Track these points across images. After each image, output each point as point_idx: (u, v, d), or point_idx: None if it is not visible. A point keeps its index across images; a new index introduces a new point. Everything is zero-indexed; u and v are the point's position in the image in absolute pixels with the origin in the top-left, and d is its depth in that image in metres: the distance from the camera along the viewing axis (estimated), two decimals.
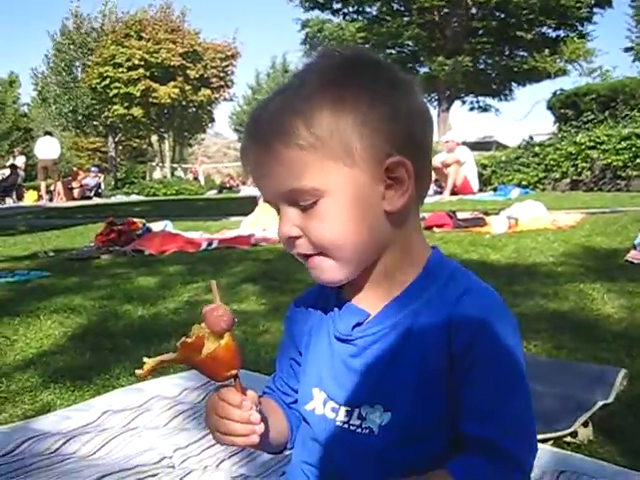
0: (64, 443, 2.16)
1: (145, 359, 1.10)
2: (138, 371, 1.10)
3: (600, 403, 2.36)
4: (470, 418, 1.08)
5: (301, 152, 1.07)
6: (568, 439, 2.17)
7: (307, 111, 1.07)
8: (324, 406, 1.22)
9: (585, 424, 2.22)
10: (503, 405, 1.08)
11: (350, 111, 1.08)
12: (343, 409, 1.18)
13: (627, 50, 31.09)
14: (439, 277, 1.16)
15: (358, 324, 1.19)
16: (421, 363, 1.10)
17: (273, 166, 1.10)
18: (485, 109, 27.69)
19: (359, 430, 1.16)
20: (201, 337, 1.07)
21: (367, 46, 25.50)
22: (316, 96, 1.08)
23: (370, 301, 1.19)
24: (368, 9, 26.28)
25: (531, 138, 19.93)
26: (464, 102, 27.73)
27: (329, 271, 1.14)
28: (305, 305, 1.32)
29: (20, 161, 26.38)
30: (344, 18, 26.73)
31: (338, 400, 1.19)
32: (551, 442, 2.16)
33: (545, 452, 2.05)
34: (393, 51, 26.66)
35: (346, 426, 1.17)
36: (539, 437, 2.15)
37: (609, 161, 16.80)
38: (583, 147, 17.36)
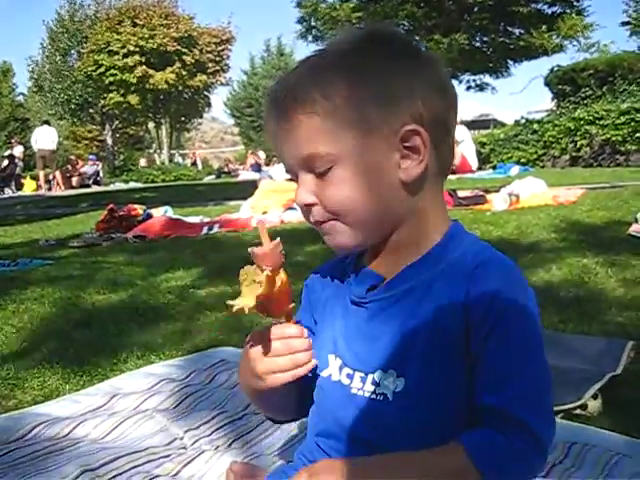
0: (75, 427, 2.16)
1: (232, 302, 1.10)
2: (246, 308, 1.09)
3: (608, 375, 2.36)
4: (485, 388, 1.07)
5: (317, 119, 1.10)
6: (577, 412, 2.17)
7: (324, 79, 1.11)
8: (340, 372, 1.22)
9: (594, 396, 2.22)
10: (519, 373, 1.07)
11: (366, 79, 1.11)
12: (358, 375, 1.19)
13: (624, 24, 30.91)
14: (457, 247, 1.17)
15: (372, 287, 1.19)
16: (434, 330, 1.10)
17: (292, 133, 1.13)
18: (482, 88, 27.51)
19: (373, 396, 1.16)
20: (271, 275, 1.10)
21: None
22: (334, 65, 1.12)
23: (387, 267, 1.19)
24: None
25: (526, 120, 19.85)
26: (460, 81, 27.54)
27: (340, 235, 1.16)
28: (323, 273, 1.34)
29: (18, 151, 26.29)
30: None
31: (353, 366, 1.20)
32: (560, 415, 2.16)
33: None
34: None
35: (361, 392, 1.17)
36: None
37: (608, 136, 16.80)
38: (582, 123, 17.36)
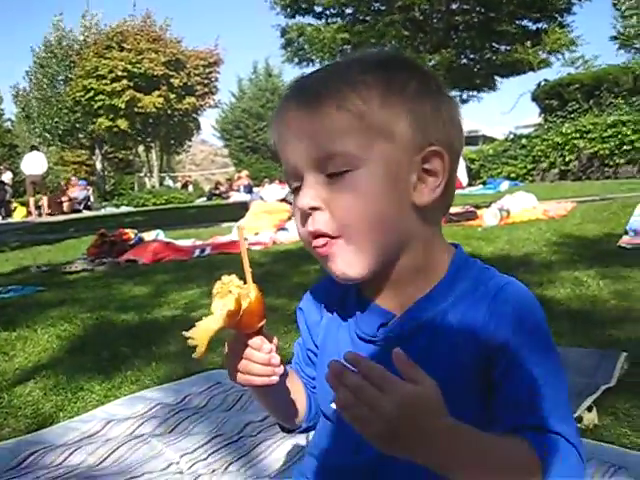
0: (70, 454, 2.15)
1: (188, 333, 1.06)
2: (195, 355, 1.07)
3: (603, 387, 2.37)
4: (519, 411, 1.02)
5: (348, 116, 1.06)
6: None
7: (360, 83, 1.08)
8: None
9: (589, 409, 2.22)
10: (546, 392, 1.03)
11: (399, 93, 1.09)
12: None
13: (613, 39, 31.08)
14: (466, 277, 1.14)
15: (382, 324, 1.16)
16: (450, 362, 1.07)
17: (316, 126, 1.08)
18: (465, 101, 27.63)
19: None
20: (238, 299, 1.08)
21: (348, 46, 25.47)
22: (369, 73, 1.09)
23: (395, 301, 1.15)
24: (348, 10, 26.21)
25: (515, 135, 20.01)
26: None
27: (343, 259, 1.10)
28: (319, 296, 1.30)
29: (7, 177, 26.22)
30: (326, 21, 26.56)
31: None
32: None
33: None
34: (375, 50, 26.43)
35: None
36: None
37: (596, 149, 16.91)
38: (569, 137, 17.48)
